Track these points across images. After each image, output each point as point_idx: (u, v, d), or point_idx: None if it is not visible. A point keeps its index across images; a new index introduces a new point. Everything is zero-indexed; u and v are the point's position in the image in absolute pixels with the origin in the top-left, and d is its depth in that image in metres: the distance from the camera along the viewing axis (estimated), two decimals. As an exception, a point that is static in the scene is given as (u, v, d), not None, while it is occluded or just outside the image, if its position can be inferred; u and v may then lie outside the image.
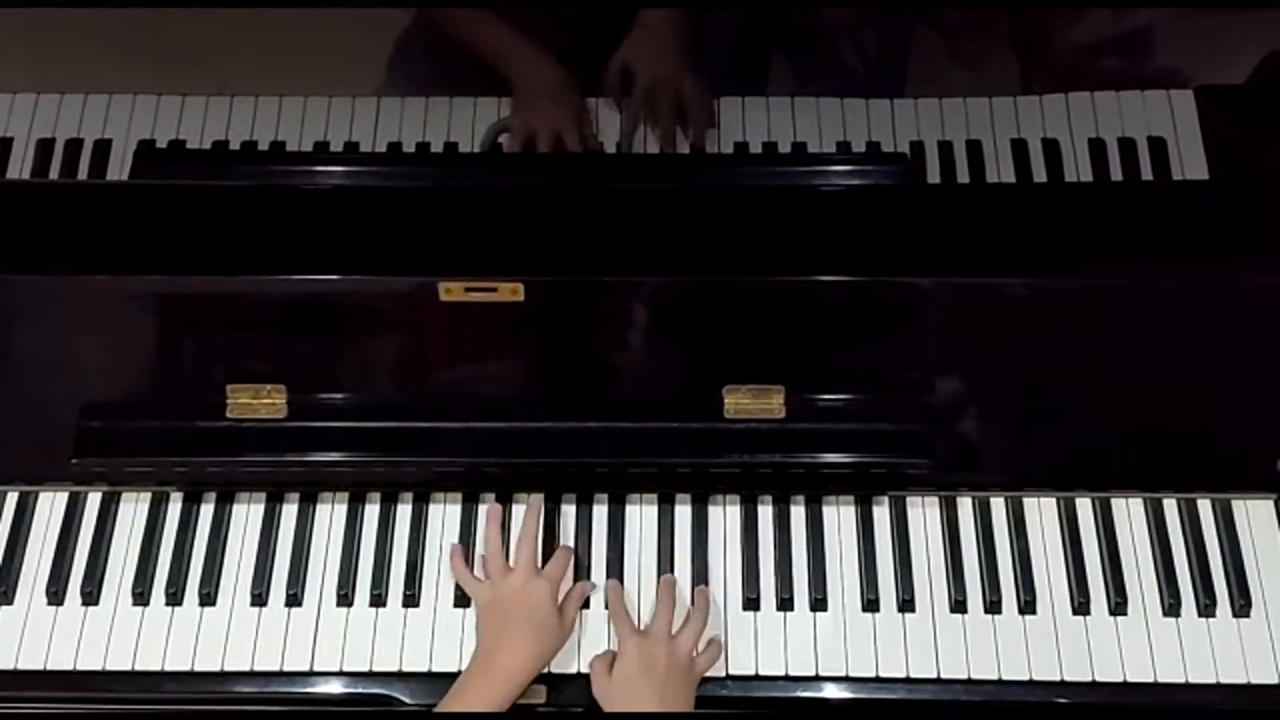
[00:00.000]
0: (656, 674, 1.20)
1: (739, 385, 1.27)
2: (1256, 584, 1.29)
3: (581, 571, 1.30)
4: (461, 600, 1.29)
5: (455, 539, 1.31)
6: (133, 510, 1.33)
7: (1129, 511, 1.33)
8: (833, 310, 1.24)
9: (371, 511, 1.33)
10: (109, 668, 1.26)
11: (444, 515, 1.33)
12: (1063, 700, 1.25)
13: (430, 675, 1.26)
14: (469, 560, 1.30)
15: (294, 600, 1.29)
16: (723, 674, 1.25)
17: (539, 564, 1.27)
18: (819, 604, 1.28)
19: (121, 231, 1.28)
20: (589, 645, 1.27)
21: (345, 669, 1.26)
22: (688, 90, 1.45)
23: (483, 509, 1.32)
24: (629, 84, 1.45)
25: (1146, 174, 1.45)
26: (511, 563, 1.27)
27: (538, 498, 1.31)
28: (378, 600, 1.29)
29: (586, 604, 1.28)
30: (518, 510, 1.32)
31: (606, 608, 1.28)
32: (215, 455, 1.27)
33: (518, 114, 1.46)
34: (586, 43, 1.47)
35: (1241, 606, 1.28)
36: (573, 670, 1.26)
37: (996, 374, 1.28)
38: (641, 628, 1.26)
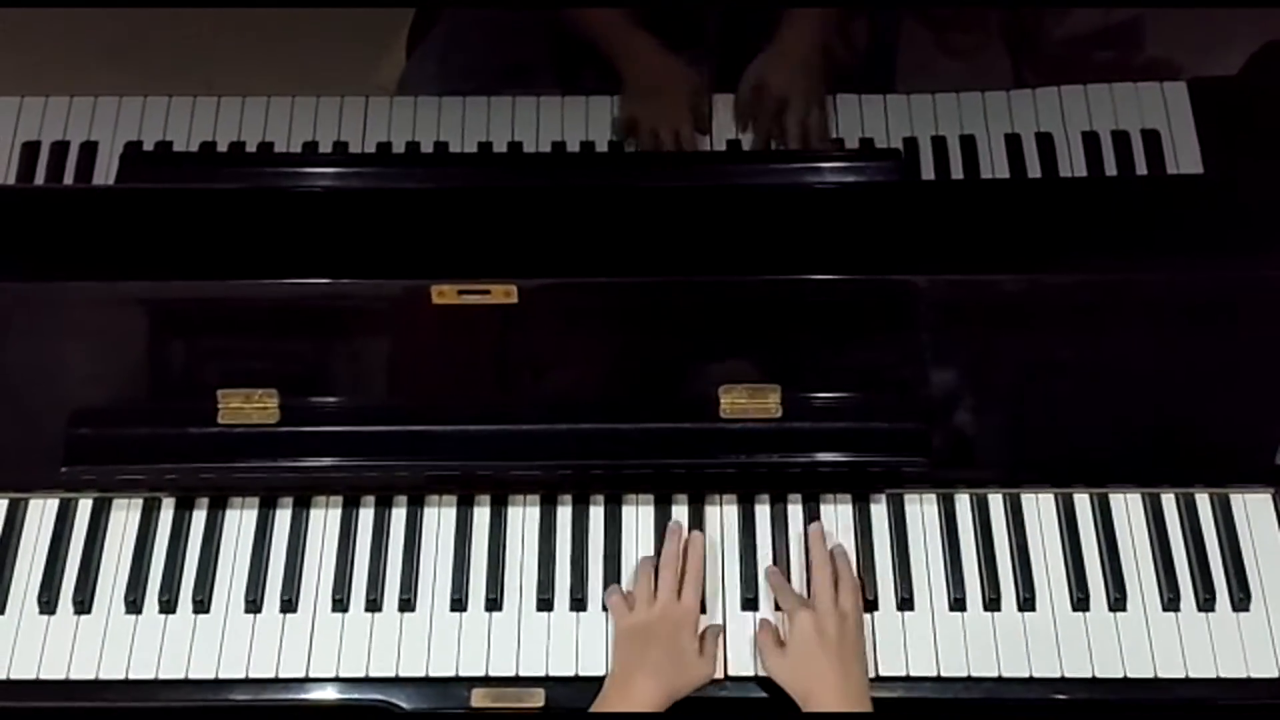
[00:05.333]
0: (830, 644, 1.20)
1: (735, 385, 1.26)
2: (1255, 577, 1.29)
3: (578, 572, 1.29)
4: (458, 604, 1.28)
5: (450, 542, 1.30)
6: (124, 517, 1.32)
7: (1127, 506, 1.32)
8: (828, 309, 1.24)
9: (366, 516, 1.32)
10: (102, 676, 1.25)
11: (439, 518, 1.32)
12: (1063, 697, 1.25)
13: (427, 680, 1.25)
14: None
15: (289, 606, 1.28)
16: (720, 675, 1.25)
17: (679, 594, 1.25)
18: (817, 603, 1.28)
19: (109, 236, 1.27)
20: (588, 647, 1.26)
21: (341, 675, 1.25)
22: (809, 100, 1.45)
23: (479, 511, 1.32)
24: (759, 93, 1.46)
25: (1141, 167, 1.45)
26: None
27: (676, 523, 1.30)
28: (373, 605, 1.28)
29: (582, 606, 1.28)
30: (513, 513, 1.32)
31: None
32: (207, 461, 1.26)
33: (636, 107, 1.46)
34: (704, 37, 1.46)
35: (1240, 600, 1.28)
36: (570, 673, 1.25)
37: (993, 370, 1.28)
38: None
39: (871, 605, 1.28)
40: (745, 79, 1.47)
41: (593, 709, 1.20)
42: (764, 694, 1.24)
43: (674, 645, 1.22)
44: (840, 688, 1.18)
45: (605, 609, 1.27)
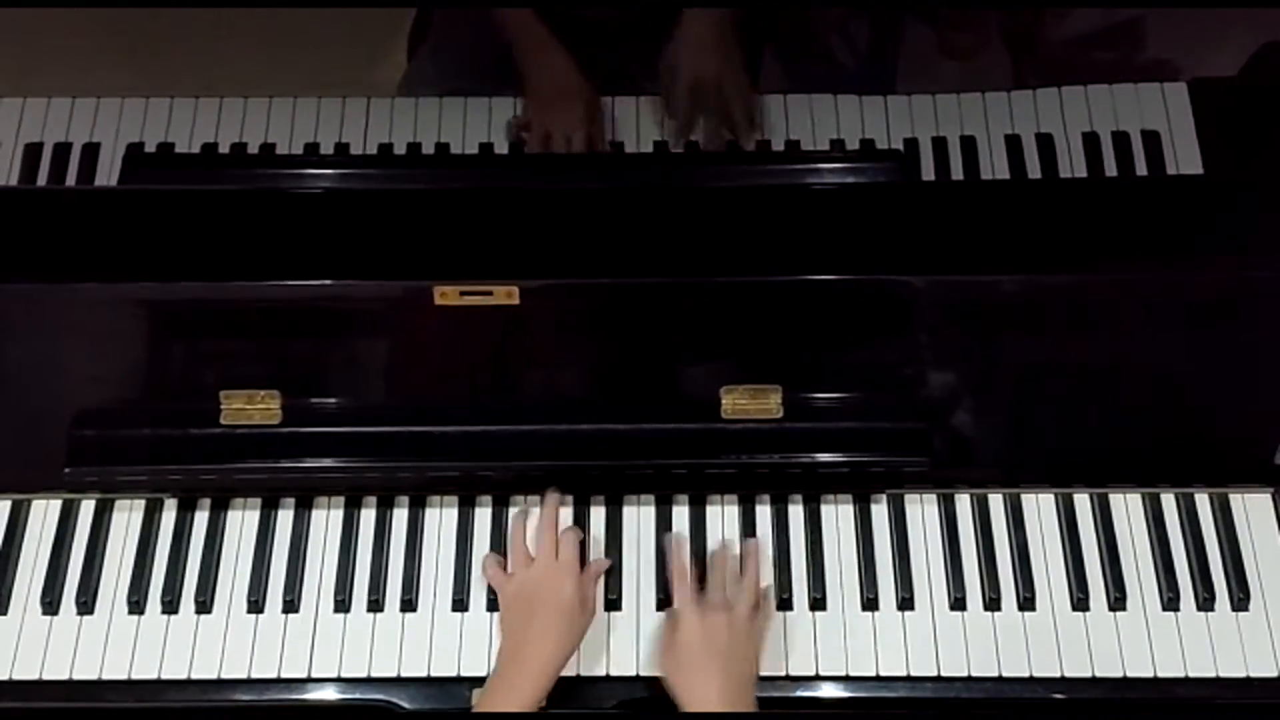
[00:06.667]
0: (719, 646, 1.18)
1: (736, 385, 1.26)
2: (1255, 577, 1.29)
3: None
4: (459, 604, 1.28)
5: (452, 542, 1.31)
6: (127, 518, 1.32)
7: (1127, 506, 1.33)
8: (829, 309, 1.24)
9: (368, 516, 1.32)
10: (105, 677, 1.26)
11: (440, 519, 1.32)
12: (1063, 696, 1.25)
13: (429, 680, 1.25)
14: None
15: (291, 607, 1.28)
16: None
17: (556, 553, 1.26)
18: (818, 603, 1.28)
19: (111, 237, 1.27)
20: (589, 648, 1.26)
21: (343, 675, 1.26)
22: (730, 91, 1.45)
23: (480, 511, 1.32)
24: (672, 85, 1.46)
25: (1141, 167, 1.45)
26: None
27: (554, 494, 1.30)
28: (375, 606, 1.28)
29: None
30: (514, 514, 1.32)
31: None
32: (209, 462, 1.27)
33: (536, 109, 1.46)
34: (609, 41, 1.46)
35: (1240, 600, 1.28)
36: (572, 674, 1.25)
37: (993, 371, 1.28)
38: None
39: (872, 605, 1.28)
40: (661, 73, 1.46)
41: (489, 684, 1.19)
42: (767, 694, 1.24)
43: (558, 600, 1.21)
44: (721, 689, 1.16)
45: (609, 609, 1.27)
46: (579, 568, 1.24)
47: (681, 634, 1.20)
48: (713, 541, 1.31)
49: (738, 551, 1.28)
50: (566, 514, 1.32)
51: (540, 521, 1.28)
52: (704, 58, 1.45)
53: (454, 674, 1.25)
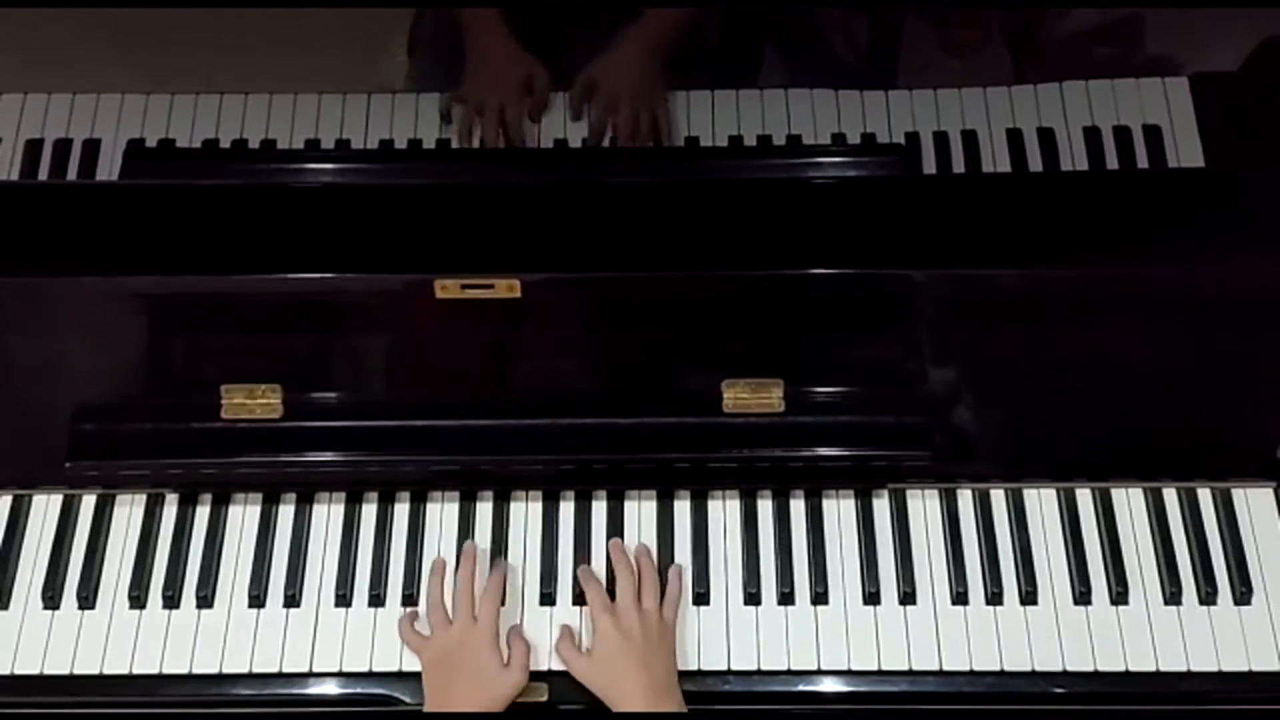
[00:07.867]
0: (635, 644, 1.20)
1: (738, 379, 1.26)
2: (1257, 571, 1.29)
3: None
4: (461, 599, 1.28)
5: (453, 537, 1.31)
6: (128, 513, 1.32)
7: (1129, 501, 1.33)
8: (830, 303, 1.24)
9: (369, 511, 1.32)
10: (106, 672, 1.25)
11: (442, 513, 1.32)
12: (1065, 690, 1.25)
13: (430, 675, 1.25)
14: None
15: (292, 601, 1.28)
16: (724, 669, 1.25)
17: (475, 613, 1.24)
18: (820, 598, 1.28)
19: (112, 232, 1.27)
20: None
21: (344, 669, 1.25)
22: (647, 100, 1.44)
23: (481, 506, 1.32)
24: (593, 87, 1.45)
25: (1142, 162, 1.45)
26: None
27: (470, 545, 1.29)
28: (376, 600, 1.28)
29: (585, 600, 1.27)
30: (516, 509, 1.32)
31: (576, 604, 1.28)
32: (210, 457, 1.27)
33: (474, 87, 1.45)
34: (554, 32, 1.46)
35: (1242, 594, 1.28)
36: (573, 669, 1.25)
37: (995, 365, 1.28)
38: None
39: (874, 599, 1.28)
40: (581, 75, 1.45)
41: None
42: (769, 689, 1.25)
43: (476, 665, 1.21)
44: (646, 685, 1.18)
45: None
46: (495, 629, 1.23)
47: (599, 637, 1.21)
48: (715, 537, 1.31)
49: (627, 559, 1.28)
50: (568, 509, 1.32)
51: (457, 580, 1.26)
52: (621, 71, 1.44)
53: (455, 668, 1.25)
